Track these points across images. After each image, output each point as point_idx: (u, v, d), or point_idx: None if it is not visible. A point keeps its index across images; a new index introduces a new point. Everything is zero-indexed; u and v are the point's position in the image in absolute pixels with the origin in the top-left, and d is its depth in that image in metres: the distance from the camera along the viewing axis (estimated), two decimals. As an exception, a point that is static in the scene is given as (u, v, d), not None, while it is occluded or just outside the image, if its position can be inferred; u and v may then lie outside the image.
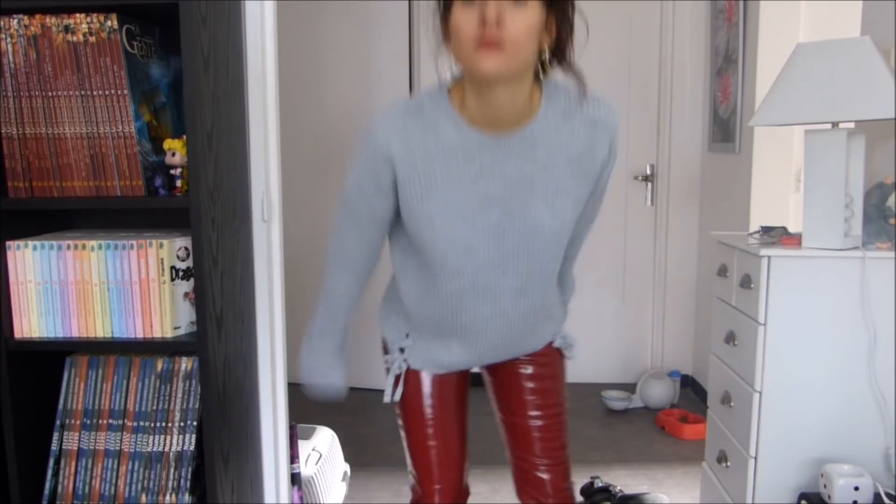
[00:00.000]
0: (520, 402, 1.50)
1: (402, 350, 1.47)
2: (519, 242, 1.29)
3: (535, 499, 1.49)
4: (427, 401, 1.47)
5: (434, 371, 1.46)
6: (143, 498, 1.62)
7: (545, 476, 1.49)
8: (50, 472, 1.64)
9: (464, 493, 1.52)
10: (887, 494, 1.75)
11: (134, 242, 1.58)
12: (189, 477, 1.62)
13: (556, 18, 1.16)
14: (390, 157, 1.24)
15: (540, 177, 1.26)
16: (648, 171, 3.81)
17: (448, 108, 1.23)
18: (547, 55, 1.21)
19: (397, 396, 1.47)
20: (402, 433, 1.51)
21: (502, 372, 1.51)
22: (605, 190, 1.39)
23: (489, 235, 1.28)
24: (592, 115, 1.26)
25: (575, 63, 1.22)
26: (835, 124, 1.82)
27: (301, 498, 2.15)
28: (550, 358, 1.51)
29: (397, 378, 1.47)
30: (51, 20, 1.50)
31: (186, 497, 1.61)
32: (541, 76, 1.25)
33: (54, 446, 1.65)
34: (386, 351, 1.53)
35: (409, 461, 1.50)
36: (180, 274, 1.61)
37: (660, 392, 3.53)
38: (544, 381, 1.50)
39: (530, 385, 1.50)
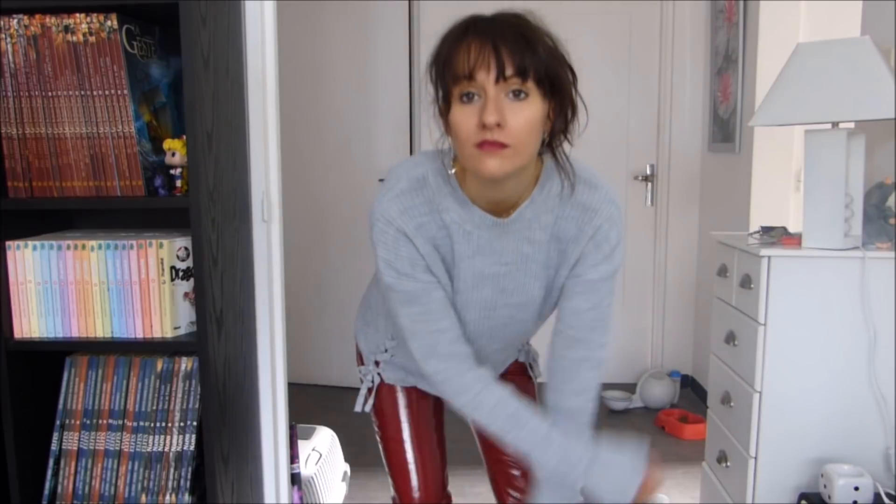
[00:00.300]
0: None
1: (377, 363, 1.46)
2: (509, 314, 1.29)
3: (514, 498, 1.49)
4: (402, 410, 1.46)
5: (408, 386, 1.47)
6: (143, 498, 1.62)
7: (518, 472, 1.49)
8: (50, 472, 1.64)
9: (445, 500, 1.51)
10: (887, 494, 1.75)
11: (134, 242, 1.58)
12: (189, 477, 1.62)
13: (558, 105, 1.11)
14: (405, 233, 1.18)
15: (535, 256, 1.24)
16: (648, 171, 3.81)
17: (454, 185, 1.19)
18: (546, 137, 1.15)
19: (368, 407, 1.47)
20: (379, 441, 1.50)
21: None
22: (601, 297, 1.25)
23: (480, 309, 1.28)
24: (584, 200, 1.21)
25: (566, 154, 1.17)
26: (835, 124, 1.82)
27: (301, 498, 2.15)
28: (515, 367, 1.54)
29: (370, 390, 1.47)
30: (51, 20, 1.50)
31: (186, 497, 1.61)
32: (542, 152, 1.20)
33: (54, 446, 1.65)
34: (361, 361, 1.53)
35: (387, 470, 1.48)
36: (180, 274, 1.61)
37: (660, 392, 3.53)
38: (513, 385, 1.50)
39: None
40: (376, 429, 1.50)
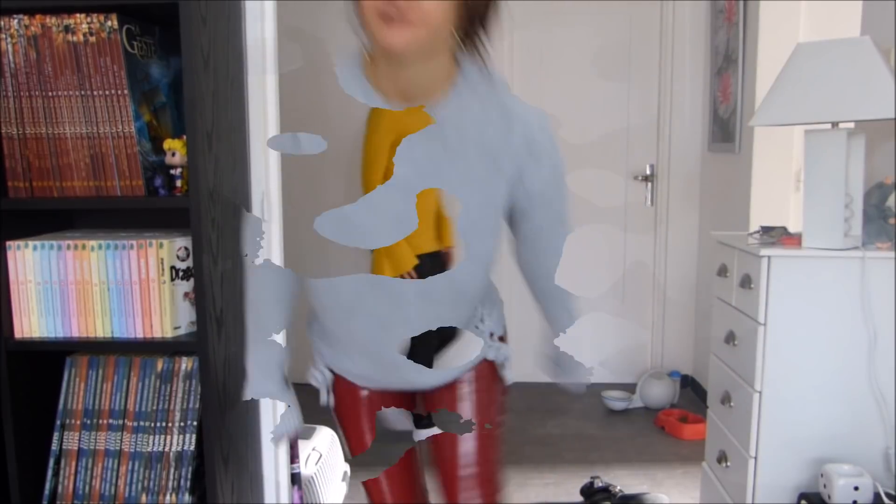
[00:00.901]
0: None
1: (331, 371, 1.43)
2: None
3: None
4: (363, 416, 1.42)
5: (354, 382, 1.40)
6: (143, 498, 1.62)
7: (468, 484, 1.37)
8: (50, 472, 1.64)
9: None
10: (887, 494, 1.75)
11: (134, 242, 1.58)
12: (189, 477, 1.62)
13: None
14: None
15: (448, 161, 1.15)
16: (648, 171, 3.81)
17: (359, 77, 1.16)
18: (462, 32, 1.09)
19: (332, 402, 1.42)
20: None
21: (436, 391, 1.42)
22: (556, 214, 1.25)
23: (389, 221, 1.20)
24: (508, 104, 1.15)
25: (483, 44, 1.12)
26: (835, 124, 1.82)
27: (301, 498, 2.15)
28: (479, 373, 1.39)
29: (327, 386, 1.43)
30: (51, 20, 1.50)
31: (186, 497, 1.61)
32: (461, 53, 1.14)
33: (54, 446, 1.65)
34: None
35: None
36: (180, 274, 1.61)
37: (660, 392, 3.54)
38: (474, 395, 1.39)
39: (452, 396, 1.39)
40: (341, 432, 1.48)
